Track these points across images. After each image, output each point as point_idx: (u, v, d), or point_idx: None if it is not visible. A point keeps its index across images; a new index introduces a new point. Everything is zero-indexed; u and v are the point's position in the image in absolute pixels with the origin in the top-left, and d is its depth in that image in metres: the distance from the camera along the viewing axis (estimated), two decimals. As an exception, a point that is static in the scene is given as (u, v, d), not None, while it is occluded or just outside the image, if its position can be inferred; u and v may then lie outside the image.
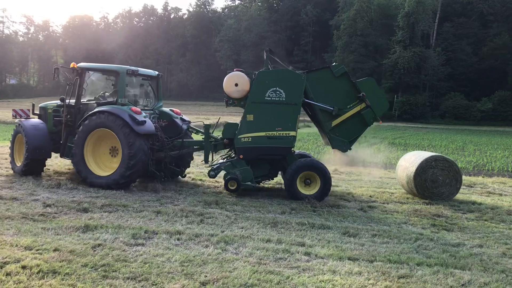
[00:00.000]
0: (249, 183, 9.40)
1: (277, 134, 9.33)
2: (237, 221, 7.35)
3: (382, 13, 61.91)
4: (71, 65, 10.45)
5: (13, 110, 11.55)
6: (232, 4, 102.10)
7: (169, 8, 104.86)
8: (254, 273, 5.13)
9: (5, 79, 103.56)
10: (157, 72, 11.43)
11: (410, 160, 10.25)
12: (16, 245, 5.61)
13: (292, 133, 9.36)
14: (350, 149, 9.91)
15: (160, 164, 10.44)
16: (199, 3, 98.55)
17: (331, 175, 12.61)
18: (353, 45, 60.03)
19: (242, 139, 9.39)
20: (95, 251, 5.62)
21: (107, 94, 10.68)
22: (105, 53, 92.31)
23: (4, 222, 6.67)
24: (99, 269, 5.02)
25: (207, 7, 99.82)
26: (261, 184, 10.50)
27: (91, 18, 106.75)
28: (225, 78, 9.57)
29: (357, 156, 13.33)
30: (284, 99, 9.33)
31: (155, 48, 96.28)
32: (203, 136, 10.27)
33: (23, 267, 4.89)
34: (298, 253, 5.89)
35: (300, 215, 8.01)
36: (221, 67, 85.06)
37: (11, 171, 10.79)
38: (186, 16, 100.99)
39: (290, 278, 5.04)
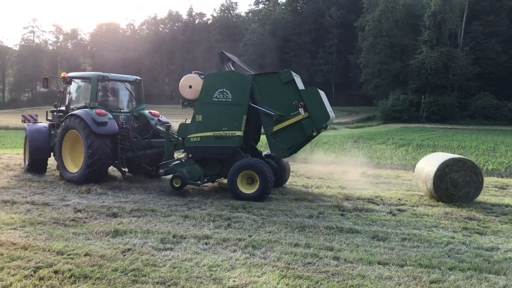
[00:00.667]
0: (196, 182, 9.71)
1: (224, 134, 9.59)
2: (265, 226, 7.33)
3: (407, 13, 60.92)
4: (62, 75, 11.99)
5: (23, 115, 13.07)
6: (256, 8, 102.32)
7: (193, 13, 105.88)
8: (283, 278, 5.11)
9: (36, 87, 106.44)
10: (135, 77, 12.28)
11: (424, 173, 9.98)
12: (49, 250, 5.74)
13: (238, 133, 9.55)
14: (288, 156, 9.86)
15: (135, 163, 11.34)
16: (223, 8, 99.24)
17: (358, 177, 12.63)
18: (378, 46, 59.27)
19: (191, 138, 9.78)
20: (124, 255, 5.69)
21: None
22: (132, 59, 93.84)
23: (37, 227, 6.83)
24: (129, 274, 5.09)
25: (231, 11, 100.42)
26: (285, 189, 10.50)
27: (117, 26, 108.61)
28: (180, 80, 10.11)
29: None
30: (230, 100, 9.60)
31: (180, 53, 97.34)
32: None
33: (56, 272, 5.00)
34: (326, 257, 5.83)
35: (328, 219, 7.94)
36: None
37: (44, 178, 11.09)
38: (210, 21, 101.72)
39: (319, 283, 4.99)
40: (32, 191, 9.55)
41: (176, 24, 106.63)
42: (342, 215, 8.26)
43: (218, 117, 9.64)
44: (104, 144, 10.30)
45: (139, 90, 12.23)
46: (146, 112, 11.93)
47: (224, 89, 9.65)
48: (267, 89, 9.65)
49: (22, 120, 12.95)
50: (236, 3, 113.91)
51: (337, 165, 15.20)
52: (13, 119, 43.05)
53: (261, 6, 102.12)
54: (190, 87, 9.93)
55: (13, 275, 4.88)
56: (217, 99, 9.66)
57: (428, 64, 52.32)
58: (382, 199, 9.72)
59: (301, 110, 9.27)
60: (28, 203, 8.41)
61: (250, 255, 5.89)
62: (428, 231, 7.29)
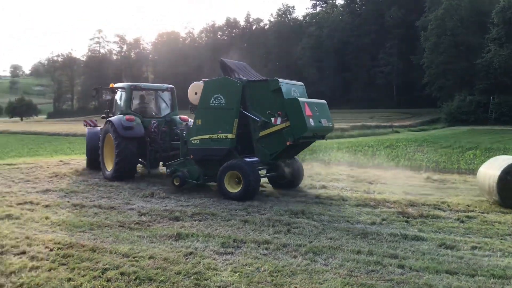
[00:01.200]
0: (194, 181, 10.56)
1: (218, 136, 10.11)
2: (325, 232, 7.19)
3: (473, 10, 58.08)
4: (110, 86, 13.45)
5: (84, 120, 15.48)
6: (313, 12, 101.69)
7: (250, 19, 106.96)
8: (345, 285, 4.98)
9: (102, 96, 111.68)
10: (168, 86, 13.63)
11: (487, 178, 9.38)
12: (115, 252, 5.94)
13: (230, 136, 9.98)
14: (270, 160, 10.08)
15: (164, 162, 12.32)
16: (280, 12, 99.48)
17: (423, 182, 12.13)
18: (442, 45, 56.92)
19: (192, 141, 10.46)
20: (187, 259, 5.78)
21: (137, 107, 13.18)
22: (191, 67, 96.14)
23: (104, 230, 7.11)
24: (192, 277, 5.15)
25: (288, 16, 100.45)
26: (346, 194, 10.32)
27: (178, 34, 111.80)
28: (189, 88, 10.94)
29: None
30: (224, 104, 10.13)
31: (238, 59, 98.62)
32: None
33: (122, 274, 5.16)
34: (391, 265, 5.62)
35: (391, 226, 7.67)
36: (303, 75, 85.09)
37: (110, 183, 11.55)
38: (267, 26, 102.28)
39: (383, 292, 4.81)
40: (99, 195, 9.97)
41: (234, 30, 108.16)
42: (407, 221, 7.94)
43: (214, 121, 10.24)
44: (130, 145, 11.70)
45: (172, 97, 13.50)
46: (177, 117, 13.05)
47: (219, 95, 10.20)
48: (257, 96, 10.05)
49: (84, 125, 15.29)
50: (293, 7, 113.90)
51: (401, 169, 14.69)
52: (81, 126, 45.51)
53: (318, 9, 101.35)
54: (196, 93, 10.71)
55: (83, 276, 5.10)
56: (213, 104, 10.26)
57: (496, 63, 49.53)
58: (449, 205, 9.25)
59: (278, 119, 9.59)
60: (96, 206, 8.79)
61: (311, 261, 5.79)
62: (501, 239, 6.85)
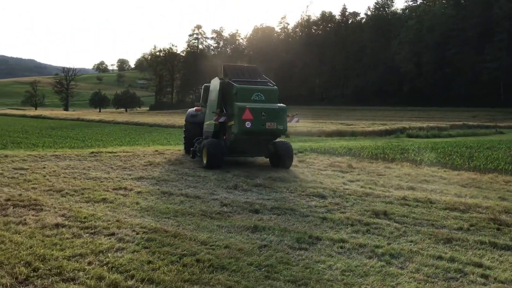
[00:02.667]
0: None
1: (210, 122, 14.06)
2: (406, 234, 6.93)
3: None
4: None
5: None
6: (413, 4, 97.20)
7: (347, 13, 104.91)
8: (420, 291, 4.78)
9: (199, 89, 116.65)
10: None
11: None
12: (194, 240, 6.24)
13: (214, 122, 13.46)
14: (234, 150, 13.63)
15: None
16: (377, 6, 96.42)
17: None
18: (559, 38, 51.73)
19: (204, 126, 14.96)
20: (261, 251, 5.90)
21: None
22: (284, 62, 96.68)
23: (187, 218, 7.48)
24: (263, 269, 5.26)
25: (386, 9, 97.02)
26: (434, 197, 9.82)
27: (272, 30, 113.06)
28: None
29: None
30: (212, 98, 14.15)
31: (331, 54, 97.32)
32: None
33: (197, 260, 5.41)
34: (473, 274, 5.28)
35: (480, 232, 7.18)
36: (400, 70, 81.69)
37: (198, 173, 12.13)
38: (364, 20, 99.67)
39: (461, 302, 4.55)
40: (187, 185, 10.48)
41: (329, 25, 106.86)
42: (498, 229, 7.37)
43: (209, 111, 14.06)
44: (192, 128, 15.86)
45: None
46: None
47: (212, 90, 14.30)
48: (228, 94, 13.24)
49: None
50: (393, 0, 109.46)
51: (500, 173, 13.62)
52: (179, 118, 47.80)
53: (419, 1, 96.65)
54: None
55: (162, 260, 5.42)
56: (209, 99, 14.44)
57: None
58: (551, 215, 8.42)
59: (221, 118, 13.06)
60: (183, 195, 9.26)
61: (386, 263, 5.62)
62: None
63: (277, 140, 14.01)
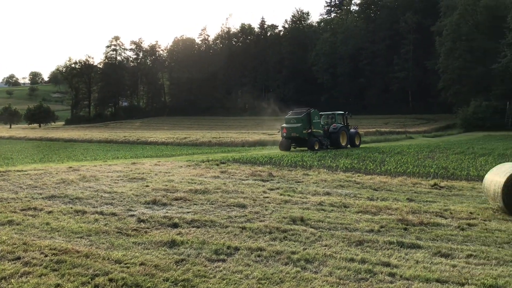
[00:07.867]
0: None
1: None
2: (321, 239, 7.17)
3: (489, 15, 57.26)
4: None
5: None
6: (327, 18, 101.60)
7: (265, 26, 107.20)
8: (332, 294, 4.94)
9: (119, 102, 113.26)
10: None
11: (492, 185, 9.29)
12: (108, 259, 6.00)
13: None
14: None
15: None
16: (294, 19, 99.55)
17: (429, 189, 12.00)
18: (457, 50, 56.30)
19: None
20: (178, 266, 5.80)
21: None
22: (206, 73, 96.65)
23: (101, 236, 7.17)
24: (179, 284, 5.18)
25: (303, 22, 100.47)
26: (348, 201, 10.23)
27: (193, 41, 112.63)
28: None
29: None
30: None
31: (252, 66, 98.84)
32: None
33: (110, 280, 5.20)
34: (381, 273, 5.57)
35: (389, 233, 7.59)
36: (317, 81, 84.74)
37: (113, 188, 11.68)
38: (282, 32, 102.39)
39: (369, 301, 4.76)
40: (102, 202, 10.06)
41: (249, 37, 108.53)
42: (405, 229, 7.85)
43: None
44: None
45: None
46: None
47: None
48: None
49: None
50: (308, 13, 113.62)
51: (408, 176, 14.54)
52: (97, 132, 46.00)
53: (333, 15, 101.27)
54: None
55: (71, 282, 5.15)
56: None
57: (513, 67, 48.81)
58: (451, 213, 9.12)
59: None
60: (97, 213, 8.87)
61: (301, 268, 5.77)
62: (498, 247, 6.72)
63: None
